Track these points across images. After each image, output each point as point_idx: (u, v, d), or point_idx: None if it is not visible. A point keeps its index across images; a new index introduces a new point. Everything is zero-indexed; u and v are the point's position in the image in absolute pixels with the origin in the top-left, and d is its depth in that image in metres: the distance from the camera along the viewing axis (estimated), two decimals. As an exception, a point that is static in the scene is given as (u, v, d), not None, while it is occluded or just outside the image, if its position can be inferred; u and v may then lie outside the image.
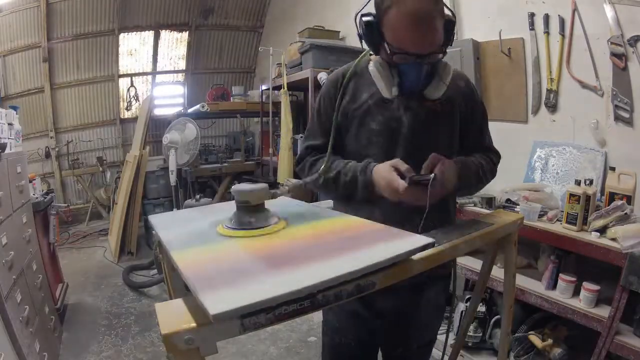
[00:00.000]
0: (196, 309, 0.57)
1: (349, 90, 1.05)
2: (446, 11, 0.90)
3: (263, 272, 0.62)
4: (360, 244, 0.74)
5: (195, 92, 5.55)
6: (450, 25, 0.90)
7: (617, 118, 1.84)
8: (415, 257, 0.77)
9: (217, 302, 0.50)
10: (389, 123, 1.02)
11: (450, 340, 2.12)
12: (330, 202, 1.36)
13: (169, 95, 5.64)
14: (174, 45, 5.53)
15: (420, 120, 1.01)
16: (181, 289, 0.97)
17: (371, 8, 0.93)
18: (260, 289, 0.55)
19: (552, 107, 2.11)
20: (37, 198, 2.37)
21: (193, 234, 0.85)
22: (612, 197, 1.69)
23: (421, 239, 0.75)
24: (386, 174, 0.90)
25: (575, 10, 1.94)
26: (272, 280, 0.58)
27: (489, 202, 1.99)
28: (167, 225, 0.92)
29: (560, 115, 2.10)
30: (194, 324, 0.53)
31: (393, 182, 0.88)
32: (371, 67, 0.96)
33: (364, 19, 0.91)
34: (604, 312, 1.53)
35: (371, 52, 1.01)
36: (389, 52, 0.90)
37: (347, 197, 1.04)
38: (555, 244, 1.73)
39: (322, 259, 0.66)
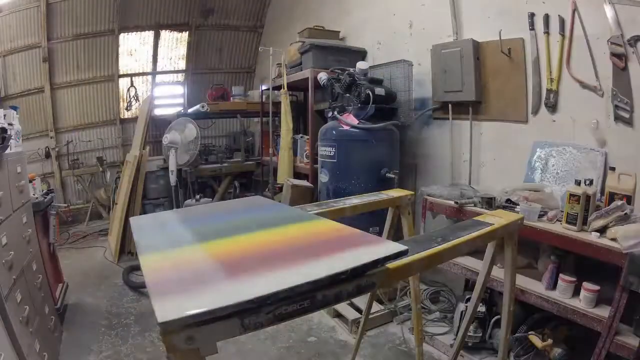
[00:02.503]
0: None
1: None
2: None
3: (222, 279, 0.61)
4: (327, 251, 0.72)
5: (195, 92, 5.54)
6: None
7: (617, 118, 1.83)
8: (416, 257, 0.77)
9: (166, 310, 0.51)
10: None
11: (450, 340, 2.13)
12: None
13: (169, 95, 5.64)
14: (174, 45, 5.52)
15: None
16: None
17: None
18: (211, 298, 0.55)
19: (552, 107, 2.11)
20: (37, 198, 2.37)
21: (165, 238, 0.85)
22: (612, 197, 1.69)
23: (394, 246, 0.73)
24: None
25: (575, 10, 1.94)
26: (228, 288, 0.58)
27: (489, 202, 1.99)
28: (145, 228, 0.91)
29: (560, 115, 2.10)
30: (194, 324, 0.53)
31: None
32: None
33: None
34: (604, 312, 1.53)
35: None
36: None
37: None
38: (555, 244, 1.73)
39: (282, 267, 0.65)
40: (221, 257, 0.71)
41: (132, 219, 0.97)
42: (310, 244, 0.78)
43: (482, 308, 2.00)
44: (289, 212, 1.09)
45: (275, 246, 0.77)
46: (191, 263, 0.69)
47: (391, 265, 0.72)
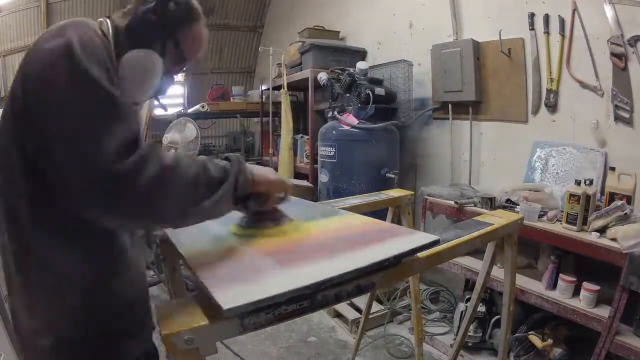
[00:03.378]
0: (197, 309, 0.57)
1: None
2: None
3: (271, 269, 0.63)
4: (368, 241, 0.75)
5: (195, 92, 5.54)
6: None
7: (617, 118, 1.83)
8: (416, 257, 0.77)
9: (228, 298, 0.52)
10: None
11: (450, 340, 2.13)
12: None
13: (169, 95, 5.64)
14: (174, 45, 5.52)
15: None
16: (181, 289, 0.98)
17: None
18: (270, 285, 0.56)
19: (552, 107, 2.11)
20: (37, 198, 2.37)
21: (200, 233, 0.86)
22: (612, 197, 1.70)
23: (426, 237, 0.76)
24: (271, 171, 0.88)
25: (575, 10, 1.94)
26: (281, 277, 0.60)
27: (489, 202, 1.99)
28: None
29: (560, 115, 2.10)
30: (194, 324, 0.53)
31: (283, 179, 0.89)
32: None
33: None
34: (604, 312, 1.53)
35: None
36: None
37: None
38: (555, 244, 1.73)
39: (329, 256, 0.67)
40: (263, 249, 0.73)
41: None
42: (350, 236, 0.81)
43: (482, 308, 2.00)
44: (320, 208, 1.10)
45: (316, 238, 0.79)
46: (236, 255, 0.71)
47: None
